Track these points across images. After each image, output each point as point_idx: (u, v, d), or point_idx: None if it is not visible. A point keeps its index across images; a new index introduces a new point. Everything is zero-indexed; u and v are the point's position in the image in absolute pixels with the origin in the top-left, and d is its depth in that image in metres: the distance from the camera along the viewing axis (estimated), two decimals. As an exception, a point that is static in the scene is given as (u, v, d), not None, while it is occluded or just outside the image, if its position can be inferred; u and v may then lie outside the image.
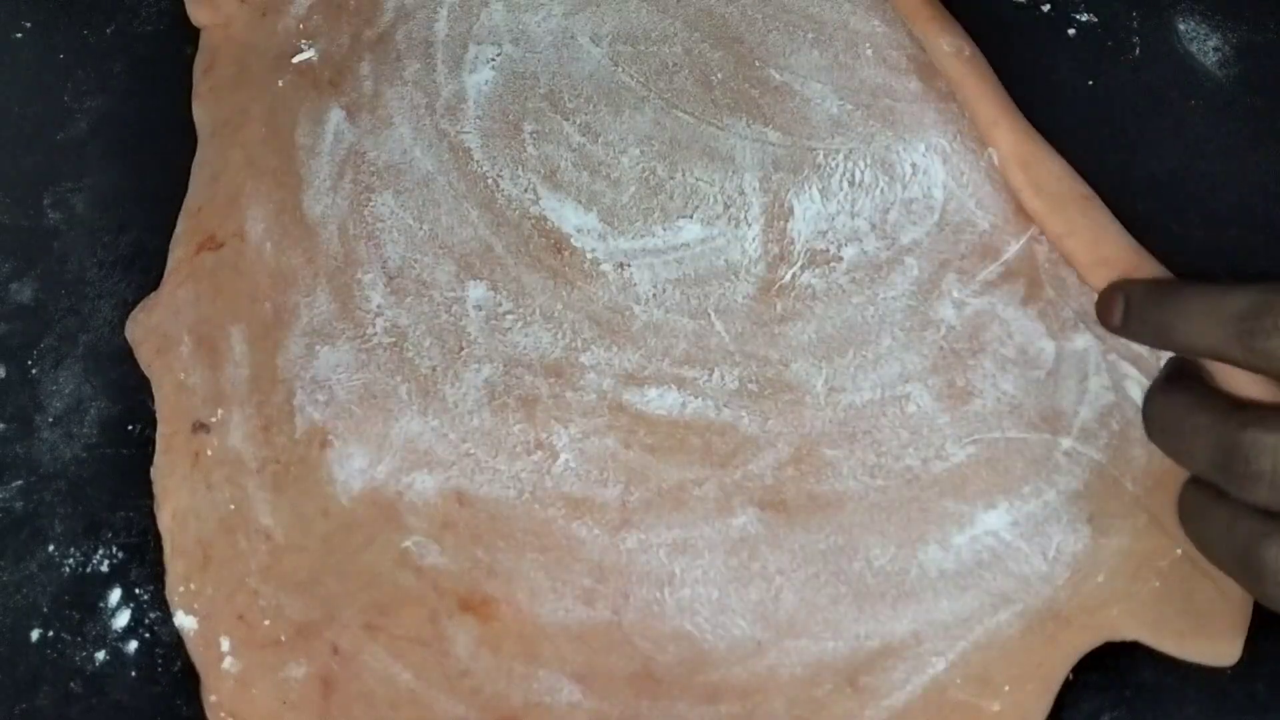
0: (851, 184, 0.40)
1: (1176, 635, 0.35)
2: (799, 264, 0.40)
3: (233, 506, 0.38)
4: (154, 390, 0.40)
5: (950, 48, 0.40)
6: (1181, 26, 0.40)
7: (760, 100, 0.42)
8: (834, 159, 0.41)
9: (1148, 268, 0.37)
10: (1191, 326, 0.32)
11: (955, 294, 0.39)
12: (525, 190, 0.41)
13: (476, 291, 0.40)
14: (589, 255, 0.40)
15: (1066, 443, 0.37)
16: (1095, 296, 0.37)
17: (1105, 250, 0.37)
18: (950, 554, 0.36)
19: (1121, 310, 0.36)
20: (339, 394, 0.39)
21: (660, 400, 0.38)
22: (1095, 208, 0.38)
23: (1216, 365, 0.34)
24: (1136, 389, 0.37)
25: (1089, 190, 0.38)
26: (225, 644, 0.37)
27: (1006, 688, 0.35)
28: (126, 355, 0.41)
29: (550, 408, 0.38)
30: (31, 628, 0.38)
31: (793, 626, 0.36)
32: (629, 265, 0.40)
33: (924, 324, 0.38)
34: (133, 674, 0.37)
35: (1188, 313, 0.32)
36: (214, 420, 0.39)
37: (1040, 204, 0.38)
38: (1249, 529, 0.30)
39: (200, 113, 0.44)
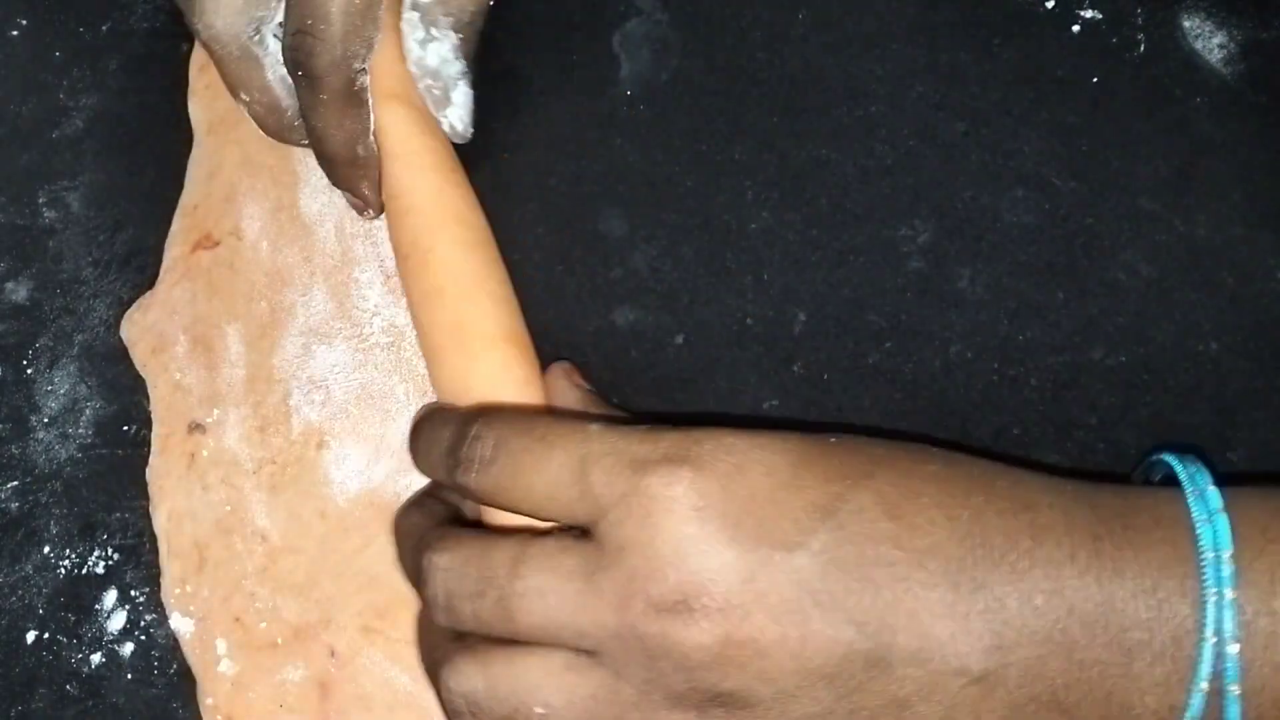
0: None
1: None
2: (800, 263, 0.39)
3: (229, 508, 0.38)
4: (149, 390, 0.40)
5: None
6: (1186, 24, 0.40)
7: (761, 97, 0.41)
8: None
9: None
10: (424, 459, 0.32)
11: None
12: (524, 188, 0.41)
13: (475, 291, 0.40)
14: (588, 254, 0.40)
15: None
16: None
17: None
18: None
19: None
20: (336, 394, 0.39)
21: (660, 400, 0.38)
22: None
23: None
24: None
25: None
26: (221, 646, 0.37)
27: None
28: (122, 355, 0.41)
29: (549, 408, 0.38)
30: (27, 630, 0.38)
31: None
32: (628, 264, 0.40)
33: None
34: (128, 676, 0.37)
35: (423, 443, 0.32)
36: (210, 421, 0.39)
37: None
38: (438, 649, 0.31)
39: (196, 110, 0.44)
